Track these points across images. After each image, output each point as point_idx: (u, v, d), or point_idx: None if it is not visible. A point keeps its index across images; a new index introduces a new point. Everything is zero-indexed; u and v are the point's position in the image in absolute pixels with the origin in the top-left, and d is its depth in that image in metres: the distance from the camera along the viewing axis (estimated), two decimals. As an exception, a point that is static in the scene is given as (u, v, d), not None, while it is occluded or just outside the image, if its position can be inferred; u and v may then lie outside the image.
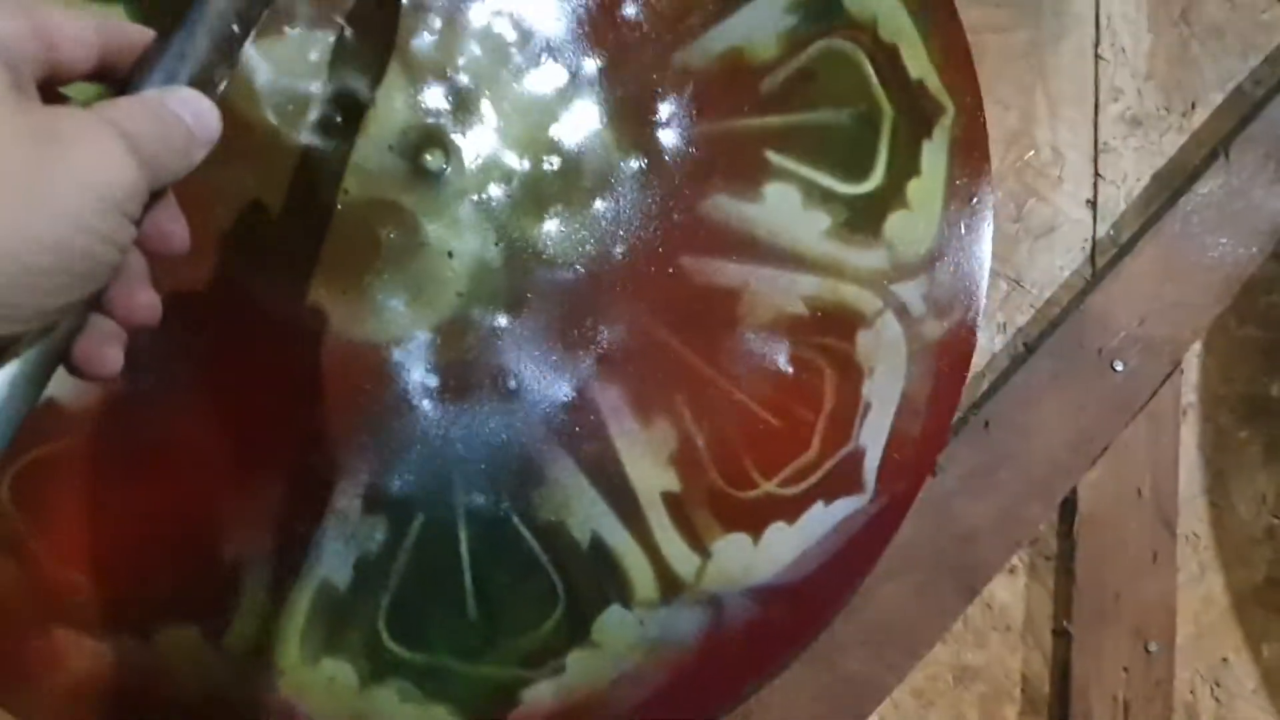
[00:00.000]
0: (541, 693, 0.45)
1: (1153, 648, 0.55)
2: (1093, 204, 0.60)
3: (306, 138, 0.46)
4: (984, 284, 0.51)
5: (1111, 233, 0.61)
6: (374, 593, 0.44)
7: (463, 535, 0.45)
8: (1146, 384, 0.56)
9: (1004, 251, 0.58)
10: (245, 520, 0.43)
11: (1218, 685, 0.60)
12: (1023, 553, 0.57)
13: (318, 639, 0.43)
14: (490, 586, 0.45)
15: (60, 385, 0.43)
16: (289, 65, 0.46)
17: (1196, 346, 0.60)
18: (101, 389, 0.43)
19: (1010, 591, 0.57)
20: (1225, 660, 0.60)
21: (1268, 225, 0.57)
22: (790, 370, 0.48)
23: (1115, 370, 0.56)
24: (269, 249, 0.45)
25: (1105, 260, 0.60)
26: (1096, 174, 0.61)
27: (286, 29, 0.46)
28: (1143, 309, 0.56)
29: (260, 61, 0.46)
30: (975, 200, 0.51)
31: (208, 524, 0.43)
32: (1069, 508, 0.56)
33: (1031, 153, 0.60)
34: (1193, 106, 0.62)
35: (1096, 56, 0.62)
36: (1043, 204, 0.60)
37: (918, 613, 0.52)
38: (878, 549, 0.48)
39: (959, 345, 0.50)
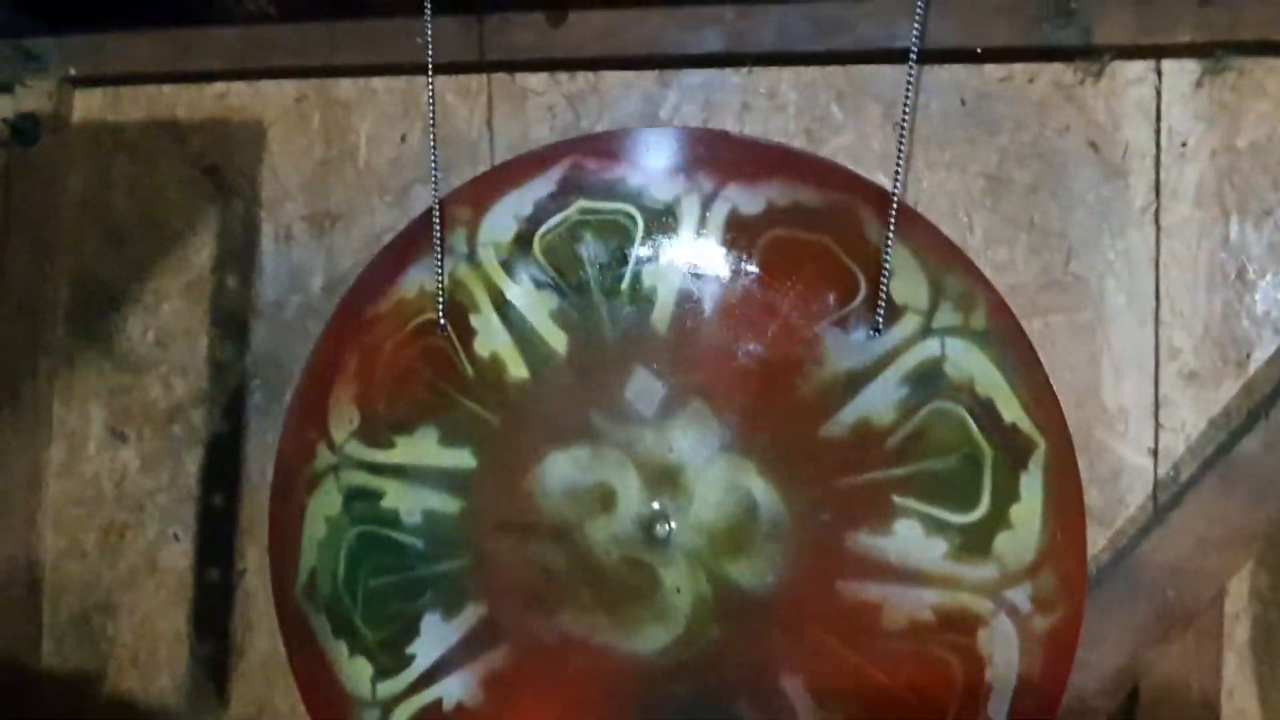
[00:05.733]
0: None
1: None
2: (1154, 452, 0.72)
3: (579, 519, 0.72)
4: (1084, 582, 0.64)
5: (1171, 472, 0.72)
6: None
7: (707, 784, 0.68)
8: (1194, 606, 0.69)
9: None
10: (576, 776, 0.70)
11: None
12: None
13: None
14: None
15: (464, 692, 0.72)
16: (563, 470, 0.72)
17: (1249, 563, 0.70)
18: (484, 696, 0.71)
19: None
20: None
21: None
22: (926, 662, 0.66)
23: (1167, 595, 0.69)
24: (568, 596, 0.71)
25: (1167, 495, 0.71)
26: (1157, 424, 0.72)
27: (559, 446, 0.72)
28: (1191, 547, 0.69)
29: (545, 468, 0.72)
30: (1070, 514, 0.65)
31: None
32: (1133, 697, 0.70)
33: (1100, 412, 0.72)
34: (1247, 357, 0.71)
35: (1157, 322, 0.72)
36: (1109, 454, 0.72)
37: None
38: (1007, 797, 0.64)
39: (1064, 633, 0.64)
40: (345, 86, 0.89)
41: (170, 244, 0.93)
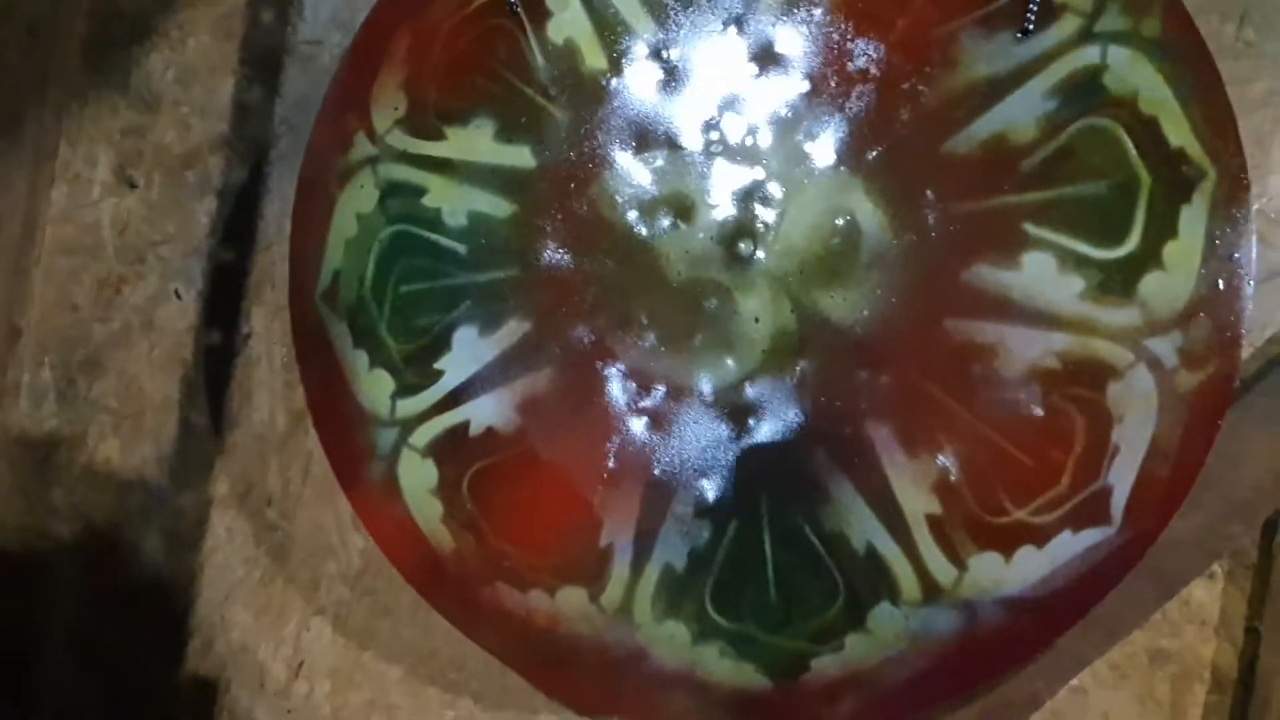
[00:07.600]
0: (825, 663, 0.58)
1: None
2: None
3: (649, 232, 0.62)
4: (1241, 338, 0.54)
5: (1338, 281, 0.61)
6: (702, 575, 0.60)
7: (766, 538, 0.59)
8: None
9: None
10: (614, 517, 0.61)
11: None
12: (1222, 560, 0.61)
13: (662, 605, 0.60)
14: (787, 578, 0.59)
15: (496, 415, 0.63)
16: (635, 176, 0.62)
17: None
18: (519, 421, 0.62)
19: (1208, 592, 0.62)
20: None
21: None
22: (1042, 416, 0.56)
23: None
24: (626, 318, 0.62)
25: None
26: None
27: (634, 149, 0.62)
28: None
29: (615, 173, 0.62)
30: (1236, 257, 0.55)
31: (589, 518, 0.61)
32: (1271, 526, 0.60)
33: (1264, 200, 0.61)
34: None
35: None
36: (1271, 250, 0.61)
37: (1119, 606, 0.57)
38: (1121, 574, 0.55)
39: (1212, 396, 0.54)
40: None
41: (204, -25, 0.83)
